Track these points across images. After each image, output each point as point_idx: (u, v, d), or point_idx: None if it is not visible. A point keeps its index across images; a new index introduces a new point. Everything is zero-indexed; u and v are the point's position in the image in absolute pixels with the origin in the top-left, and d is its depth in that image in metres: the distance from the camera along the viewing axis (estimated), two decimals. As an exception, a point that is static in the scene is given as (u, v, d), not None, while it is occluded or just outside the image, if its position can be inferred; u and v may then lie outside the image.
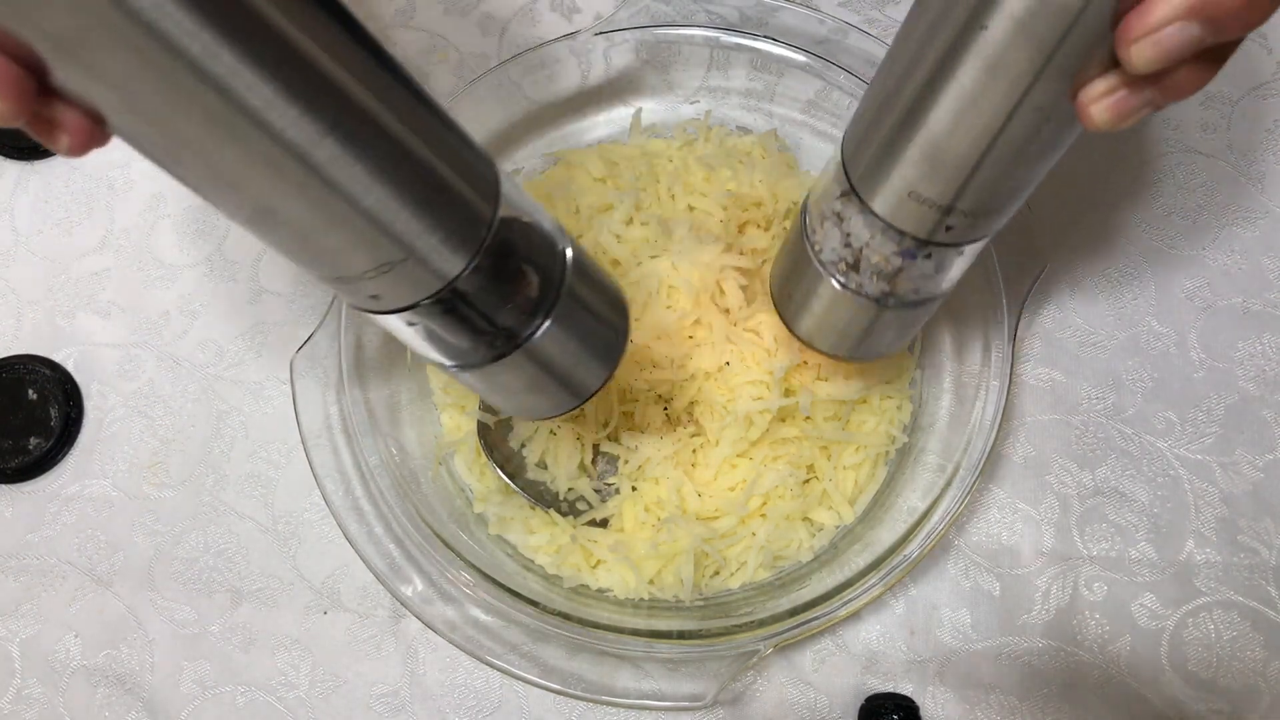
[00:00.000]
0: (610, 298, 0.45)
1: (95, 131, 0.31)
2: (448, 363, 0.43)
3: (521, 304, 0.41)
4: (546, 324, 0.41)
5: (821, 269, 0.47)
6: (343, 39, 0.31)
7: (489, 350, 0.41)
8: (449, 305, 0.38)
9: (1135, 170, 0.67)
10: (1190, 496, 0.61)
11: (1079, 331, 0.64)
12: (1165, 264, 0.65)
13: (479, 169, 0.37)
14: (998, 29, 0.32)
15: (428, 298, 0.38)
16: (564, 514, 0.60)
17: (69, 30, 0.26)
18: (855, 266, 0.45)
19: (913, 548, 0.54)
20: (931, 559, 0.60)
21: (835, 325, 0.50)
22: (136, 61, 0.27)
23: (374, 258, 0.35)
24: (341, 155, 0.31)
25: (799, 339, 0.52)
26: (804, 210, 0.48)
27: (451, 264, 0.37)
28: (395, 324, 0.40)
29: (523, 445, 0.61)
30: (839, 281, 0.46)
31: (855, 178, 0.42)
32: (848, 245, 0.44)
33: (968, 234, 0.41)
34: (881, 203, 0.41)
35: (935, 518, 0.54)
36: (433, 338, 0.40)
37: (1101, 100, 0.33)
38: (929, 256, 0.43)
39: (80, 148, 0.32)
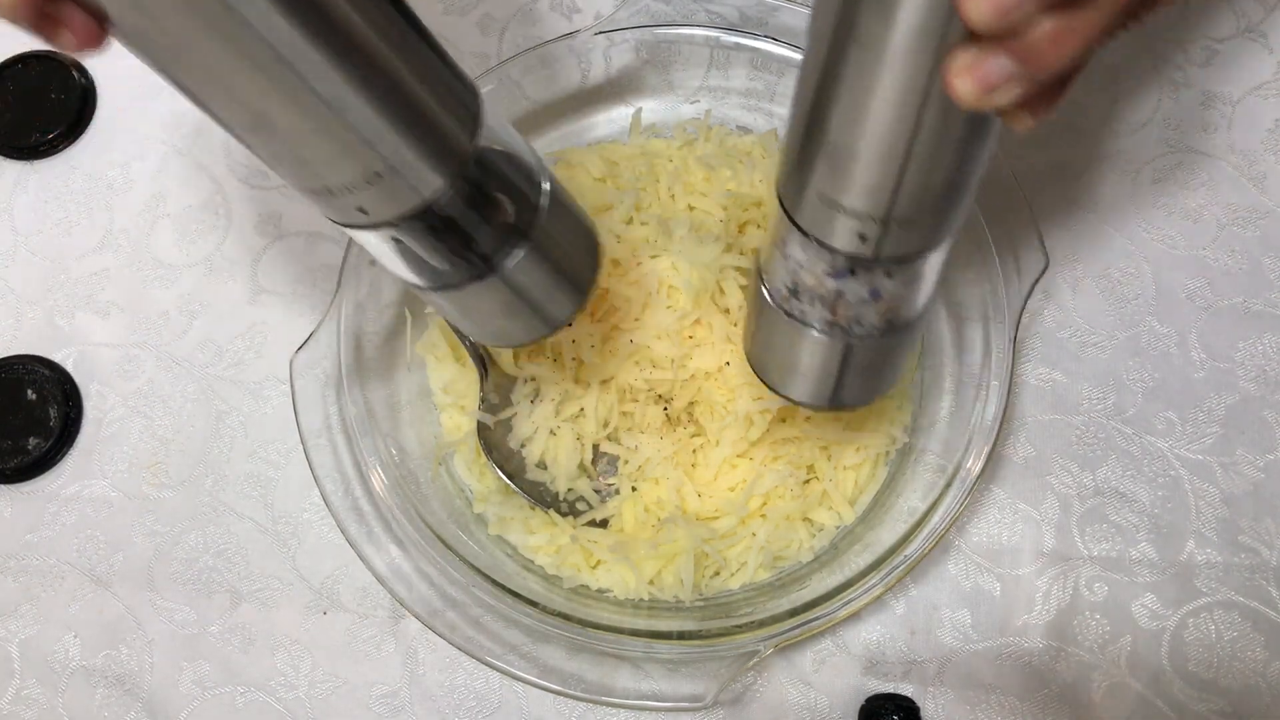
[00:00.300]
0: (584, 233, 0.48)
1: (97, 31, 0.32)
2: (423, 284, 0.44)
3: (499, 229, 0.43)
4: (522, 251, 0.43)
5: (770, 299, 0.45)
6: None
7: (465, 272, 0.43)
8: (429, 223, 0.40)
9: (1135, 170, 0.67)
10: (1191, 497, 0.61)
11: (1079, 331, 0.64)
12: (1166, 264, 0.65)
13: (462, 96, 0.40)
14: (857, 6, 0.31)
15: (409, 213, 0.40)
16: (564, 514, 0.60)
17: None
18: (795, 292, 0.43)
19: (913, 548, 0.54)
20: (931, 559, 0.60)
21: (797, 366, 0.47)
22: None
23: (357, 169, 0.37)
24: (328, 66, 0.34)
25: (777, 393, 0.50)
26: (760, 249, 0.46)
27: (432, 181, 0.39)
28: (375, 241, 0.42)
29: (522, 445, 0.61)
30: (785, 310, 0.44)
31: (781, 189, 0.40)
32: (787, 269, 0.42)
33: (896, 248, 0.38)
34: (804, 215, 0.39)
35: (935, 518, 0.54)
36: (411, 257, 0.42)
37: (962, 73, 0.30)
38: (855, 274, 0.40)
39: (81, 45, 0.32)
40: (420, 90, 0.37)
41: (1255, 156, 0.67)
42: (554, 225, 0.44)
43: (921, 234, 0.38)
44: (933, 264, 0.41)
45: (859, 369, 0.46)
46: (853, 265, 0.40)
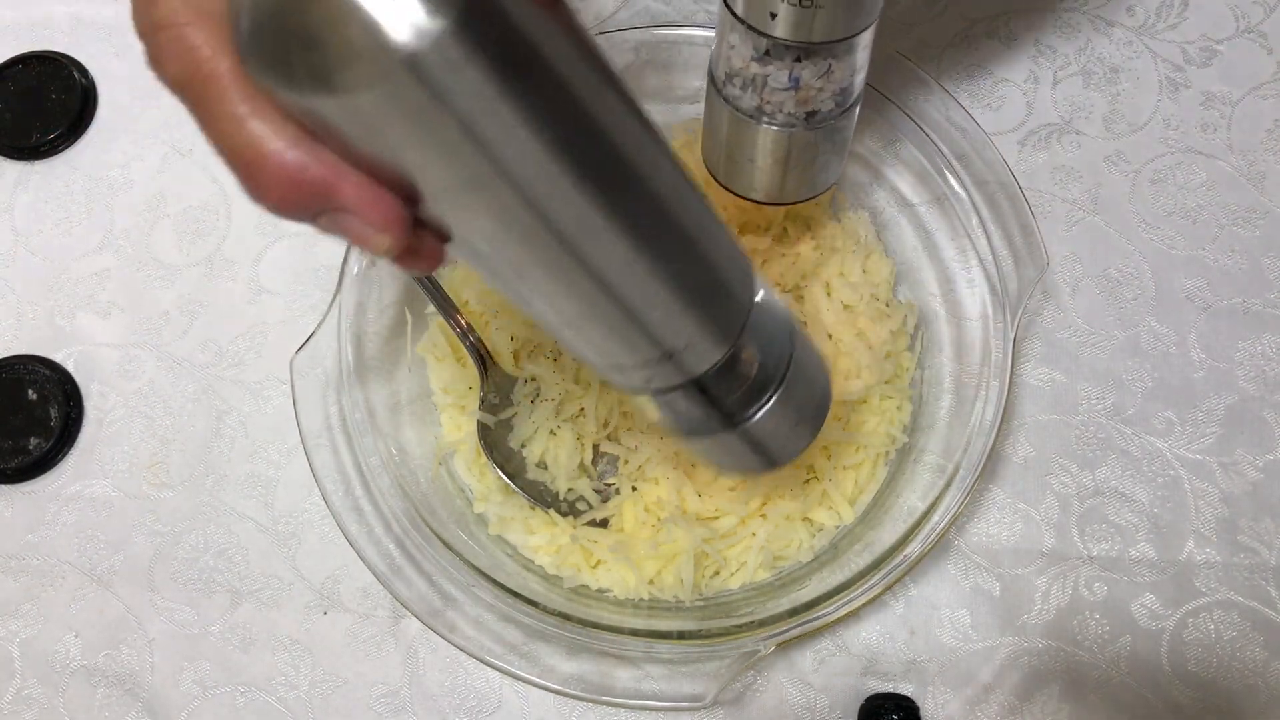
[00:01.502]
0: (822, 378, 0.48)
1: (443, 253, 0.33)
2: (672, 430, 0.45)
3: (755, 385, 0.43)
4: (770, 403, 0.44)
5: (713, 86, 0.50)
6: (674, 184, 0.34)
7: (716, 425, 0.44)
8: (700, 385, 0.41)
9: (1135, 170, 0.67)
10: (1190, 497, 0.61)
11: (1079, 331, 0.64)
12: (1165, 264, 0.65)
13: (741, 262, 0.40)
14: None
15: (689, 380, 0.40)
16: (564, 514, 0.60)
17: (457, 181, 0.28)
18: (730, 78, 0.48)
19: (913, 548, 0.54)
20: (931, 559, 0.60)
21: (735, 155, 0.51)
22: (511, 208, 0.29)
23: (657, 350, 0.38)
24: (653, 277, 0.35)
25: (724, 187, 0.54)
26: None
27: (719, 351, 0.40)
28: (644, 400, 0.43)
29: (523, 445, 0.61)
30: (723, 96, 0.49)
31: None
32: (724, 55, 0.47)
33: (807, 33, 0.43)
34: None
35: (935, 517, 0.54)
36: (670, 411, 0.43)
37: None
38: (772, 57, 0.45)
39: (431, 269, 0.33)
40: (720, 268, 0.38)
41: (1255, 157, 0.67)
42: (798, 376, 0.45)
43: (833, 19, 0.42)
44: (845, 58, 0.46)
45: (789, 161, 0.51)
46: (769, 48, 0.45)
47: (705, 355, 0.39)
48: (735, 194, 0.54)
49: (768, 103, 0.48)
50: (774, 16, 0.42)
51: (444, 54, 0.24)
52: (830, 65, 0.46)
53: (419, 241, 0.31)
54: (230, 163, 0.30)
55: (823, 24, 0.42)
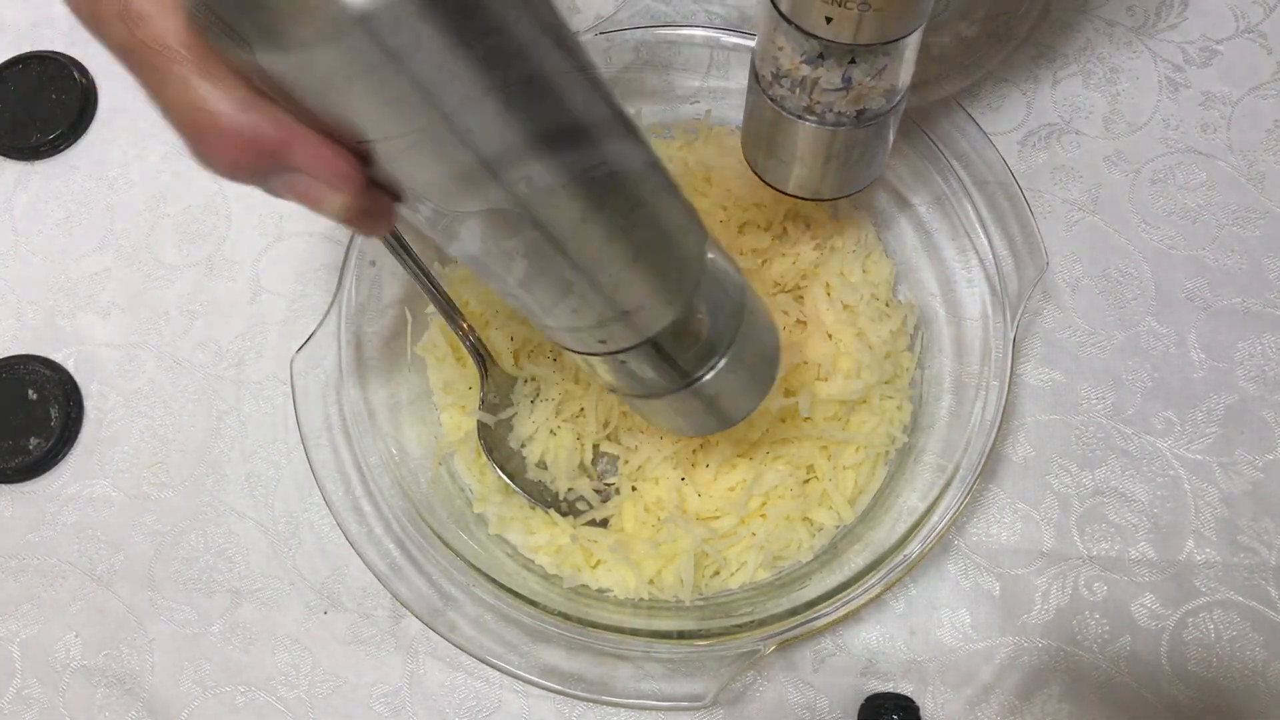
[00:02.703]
0: (772, 338, 0.48)
1: (394, 212, 0.33)
2: (623, 392, 0.46)
3: (705, 345, 0.44)
4: (721, 363, 0.44)
5: (758, 85, 0.49)
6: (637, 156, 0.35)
7: (667, 386, 0.45)
8: (654, 345, 0.41)
9: (1135, 170, 0.67)
10: (1190, 497, 0.61)
11: (1079, 331, 0.64)
12: (1165, 264, 0.65)
13: (695, 221, 0.41)
14: None
15: (643, 341, 0.41)
16: (564, 514, 0.60)
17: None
18: (777, 77, 0.48)
19: (912, 547, 0.54)
20: (931, 559, 0.60)
21: (778, 152, 0.52)
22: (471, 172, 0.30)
23: (611, 312, 0.38)
24: (603, 240, 0.35)
25: (764, 181, 0.55)
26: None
27: (672, 311, 0.40)
28: (597, 361, 0.43)
29: (523, 445, 0.61)
30: (769, 96, 0.49)
31: None
32: (771, 56, 0.47)
33: (862, 35, 0.43)
34: (783, 1, 0.44)
35: (935, 517, 0.54)
36: (624, 373, 0.43)
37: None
38: (825, 60, 0.45)
39: (386, 229, 0.34)
40: (673, 230, 0.38)
41: (1255, 157, 0.67)
42: (749, 334, 0.45)
43: (885, 20, 0.42)
44: (898, 56, 0.46)
45: (835, 158, 0.51)
46: (823, 50, 0.45)
47: (659, 315, 0.40)
48: (778, 190, 0.55)
49: (817, 103, 0.48)
50: (829, 21, 0.42)
51: (396, 9, 0.24)
52: (885, 64, 0.46)
53: (371, 201, 0.31)
54: (179, 127, 0.29)
55: (878, 25, 0.42)
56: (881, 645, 0.59)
